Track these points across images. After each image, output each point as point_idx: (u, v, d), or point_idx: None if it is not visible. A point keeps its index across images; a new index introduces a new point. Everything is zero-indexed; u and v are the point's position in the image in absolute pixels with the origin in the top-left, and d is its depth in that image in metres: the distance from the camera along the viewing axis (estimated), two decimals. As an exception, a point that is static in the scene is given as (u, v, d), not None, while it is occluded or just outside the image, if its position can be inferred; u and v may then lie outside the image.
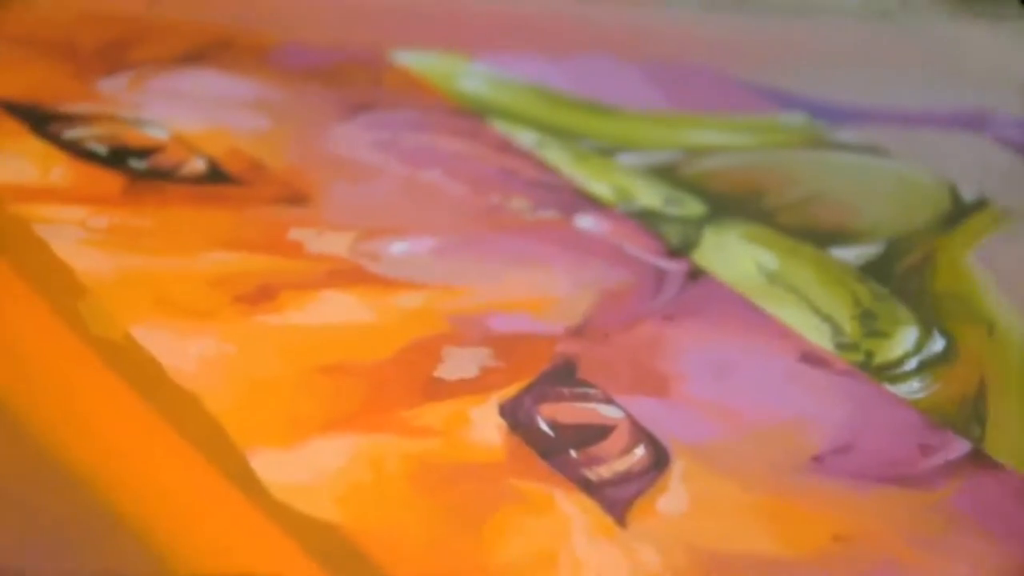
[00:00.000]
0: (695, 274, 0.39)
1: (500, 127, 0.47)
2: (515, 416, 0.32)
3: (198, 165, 0.41)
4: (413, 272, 0.38)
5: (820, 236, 0.42)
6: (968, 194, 0.45)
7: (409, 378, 0.33)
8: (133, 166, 0.40)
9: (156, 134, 0.43)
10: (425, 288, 0.37)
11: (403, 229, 0.40)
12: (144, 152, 0.41)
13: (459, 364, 0.34)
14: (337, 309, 0.36)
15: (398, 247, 0.39)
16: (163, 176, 0.41)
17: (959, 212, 0.44)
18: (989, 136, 0.50)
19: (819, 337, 0.37)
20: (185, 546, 0.27)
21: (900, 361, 0.36)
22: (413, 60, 0.52)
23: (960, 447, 0.33)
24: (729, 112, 0.50)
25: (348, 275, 0.37)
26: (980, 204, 0.45)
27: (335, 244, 0.39)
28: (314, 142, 0.45)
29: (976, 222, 0.43)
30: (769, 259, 0.40)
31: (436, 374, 0.34)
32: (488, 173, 0.44)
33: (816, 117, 0.50)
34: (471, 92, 0.50)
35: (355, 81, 0.49)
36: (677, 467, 0.31)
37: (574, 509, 0.30)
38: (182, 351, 0.33)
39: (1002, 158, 0.48)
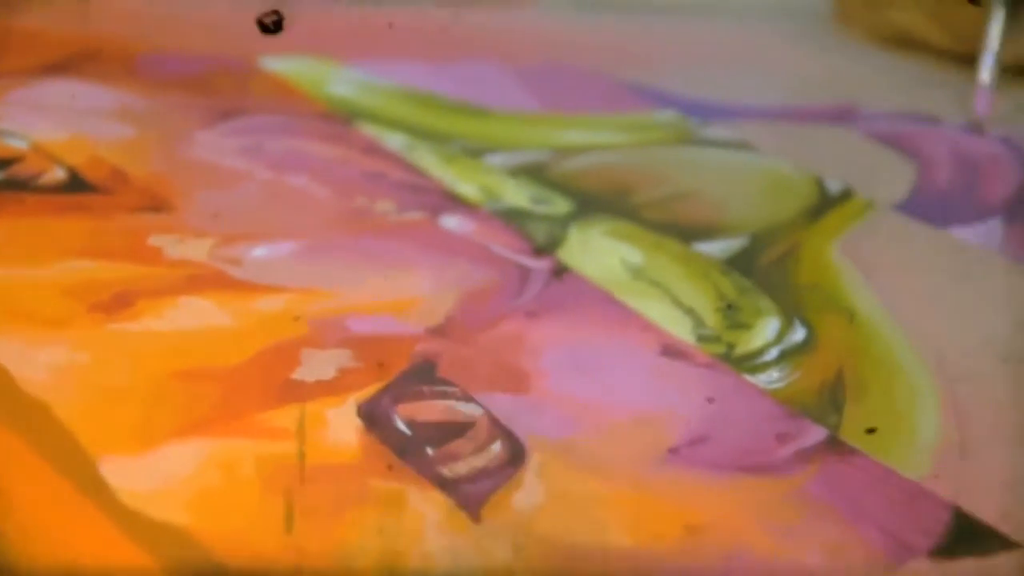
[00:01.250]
0: (560, 271, 0.39)
1: (369, 131, 0.47)
2: (372, 416, 0.32)
3: (58, 174, 0.41)
4: (274, 276, 0.38)
5: (686, 231, 0.42)
6: (834, 187, 0.45)
7: (266, 381, 0.33)
8: (-10, 177, 0.40)
9: (15, 144, 0.42)
10: (285, 292, 0.37)
11: (265, 233, 0.40)
12: (2, 163, 0.41)
13: (317, 366, 0.34)
14: (195, 315, 0.36)
15: (259, 251, 0.39)
16: (21, 186, 0.40)
17: (824, 204, 0.44)
18: (857, 130, 0.50)
19: (681, 330, 0.37)
20: (28, 555, 0.26)
21: (761, 351, 0.36)
22: (283, 66, 0.52)
23: (816, 434, 0.33)
24: (602, 111, 0.51)
25: (207, 280, 0.37)
26: (845, 196, 0.45)
27: (195, 250, 0.38)
28: (178, 149, 0.44)
29: (841, 214, 0.44)
30: (633, 255, 0.40)
31: (293, 376, 0.33)
32: (355, 176, 0.44)
33: (688, 115, 0.50)
34: (341, 97, 0.50)
35: (222, 88, 0.49)
36: (533, 462, 0.31)
37: (428, 506, 0.30)
38: (32, 360, 0.32)
39: (869, 151, 0.49)
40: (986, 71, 0.50)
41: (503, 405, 0.33)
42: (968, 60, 0.51)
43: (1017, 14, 0.53)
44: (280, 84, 0.50)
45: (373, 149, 0.46)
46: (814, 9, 0.60)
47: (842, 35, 0.58)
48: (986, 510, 0.31)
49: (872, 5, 0.57)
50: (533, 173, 0.45)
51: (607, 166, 0.46)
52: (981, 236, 0.43)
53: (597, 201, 0.43)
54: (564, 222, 0.42)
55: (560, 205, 0.43)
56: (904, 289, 0.40)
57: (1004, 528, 0.31)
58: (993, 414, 0.34)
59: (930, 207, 0.44)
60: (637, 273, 0.39)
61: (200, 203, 0.41)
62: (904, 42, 0.56)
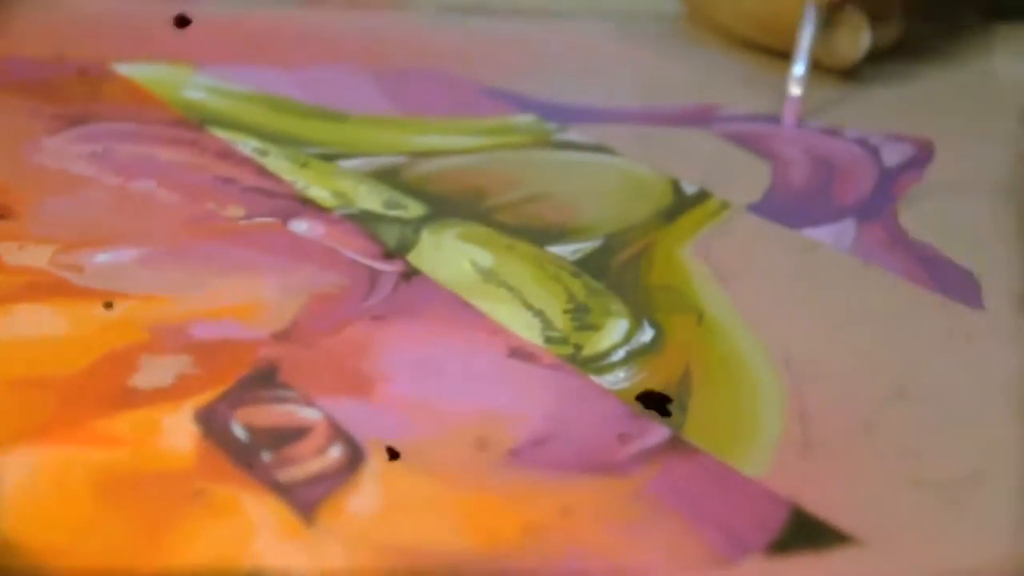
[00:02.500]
0: (409, 275, 0.39)
1: (222, 136, 0.47)
2: (209, 422, 0.32)
3: None
4: (116, 282, 0.37)
5: (539, 233, 0.42)
6: (690, 188, 0.46)
7: (102, 389, 0.33)
8: None
9: None
10: (127, 298, 0.37)
11: (110, 239, 0.39)
12: None
13: (155, 373, 0.34)
14: (32, 322, 0.35)
15: (102, 257, 0.38)
16: None
17: (680, 206, 0.45)
18: (714, 132, 0.50)
19: (530, 332, 0.37)
20: None
21: (608, 352, 0.36)
22: (136, 71, 0.51)
23: (659, 434, 0.33)
24: (460, 116, 0.51)
25: (47, 287, 0.37)
26: (700, 197, 0.45)
27: (36, 257, 0.38)
28: (24, 156, 0.44)
29: (695, 215, 0.44)
30: (485, 257, 0.40)
31: (130, 383, 0.33)
32: (205, 182, 0.44)
33: (546, 118, 0.51)
34: (195, 102, 0.49)
35: (73, 94, 0.49)
36: (372, 466, 0.31)
37: (261, 511, 0.29)
38: None
39: (725, 152, 0.49)
40: (795, 85, 0.51)
41: (344, 409, 0.33)
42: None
43: (833, 21, 0.53)
44: (133, 89, 0.49)
45: (226, 154, 0.45)
46: (668, 12, 0.60)
47: (694, 37, 0.58)
48: (825, 506, 0.31)
49: (707, 7, 0.58)
50: (387, 177, 0.45)
51: (462, 170, 0.46)
52: (833, 237, 0.43)
53: (451, 205, 0.43)
54: (416, 226, 0.42)
55: (413, 209, 0.43)
56: (755, 289, 0.40)
57: (841, 523, 0.31)
58: (836, 413, 0.35)
59: (784, 208, 0.45)
60: (488, 276, 0.39)
61: (44, 210, 0.41)
62: (743, 43, 0.57)
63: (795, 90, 0.52)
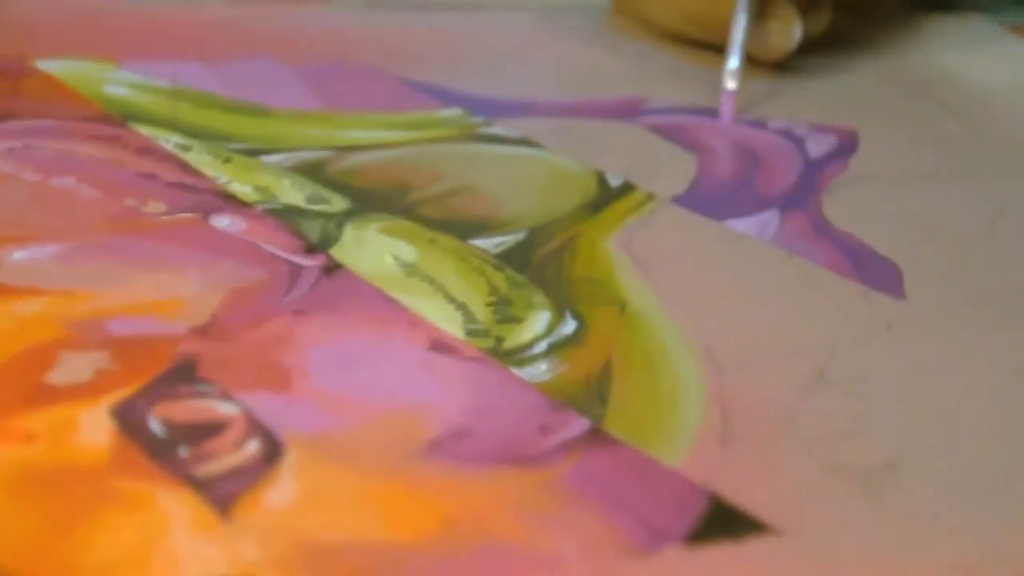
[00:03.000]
0: (331, 269, 0.39)
1: (144, 132, 0.47)
2: (126, 418, 0.32)
3: None
4: (33, 279, 0.37)
5: (463, 227, 0.42)
6: (615, 181, 0.46)
7: (18, 385, 0.33)
8: None
9: None
10: (44, 294, 0.36)
11: (28, 236, 0.39)
12: None
13: (72, 369, 0.34)
14: (-53, 320, 0.35)
15: (19, 254, 0.38)
16: None
17: (605, 198, 0.45)
18: (641, 124, 0.51)
19: (451, 325, 0.37)
20: None
21: (529, 344, 0.36)
22: (57, 68, 0.51)
23: (579, 426, 0.33)
24: (385, 110, 0.51)
25: (-38, 285, 0.36)
26: (625, 189, 0.45)
27: (-49, 255, 0.38)
28: (-59, 153, 0.43)
29: (620, 207, 0.44)
30: (407, 251, 0.40)
31: (47, 380, 0.33)
32: (126, 178, 0.43)
33: (472, 112, 0.51)
34: (117, 98, 0.49)
35: (-8, 91, 0.48)
36: (289, 459, 0.31)
37: (176, 506, 0.29)
38: None
39: (652, 145, 0.49)
40: (730, 79, 0.51)
41: (263, 403, 0.33)
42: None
43: (764, 14, 0.54)
44: (55, 86, 0.49)
45: (148, 150, 0.45)
46: (594, 5, 0.60)
47: (621, 30, 0.58)
48: (743, 495, 0.32)
49: (636, 1, 0.58)
50: (311, 172, 0.45)
51: (387, 164, 0.46)
52: (757, 228, 0.44)
53: (374, 199, 0.44)
54: (340, 220, 0.42)
55: (337, 203, 0.43)
56: (677, 280, 0.40)
57: (759, 512, 0.31)
58: (756, 402, 0.35)
59: (708, 199, 0.45)
60: (410, 269, 0.40)
61: (-38, 207, 0.40)
62: (673, 37, 0.57)
63: (731, 84, 0.52)
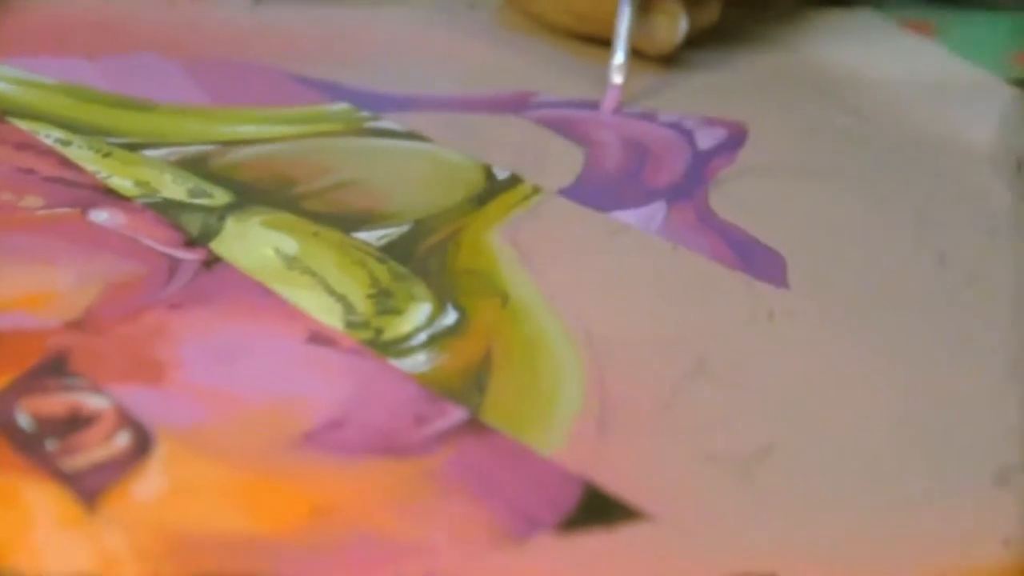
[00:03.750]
0: (211, 262, 0.39)
1: (23, 127, 0.46)
2: (-7, 413, 0.32)
3: None
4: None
5: (347, 220, 0.42)
6: (502, 174, 0.46)
7: None
8: None
9: None
10: (-86, 290, 0.36)
11: (-101, 231, 0.39)
12: None
13: (-61, 364, 0.33)
14: None
15: None
16: None
17: (491, 191, 0.45)
18: (530, 118, 0.51)
19: (330, 317, 0.37)
20: None
21: (409, 336, 0.36)
22: (-65, 63, 0.50)
23: (456, 416, 0.33)
24: (272, 105, 0.50)
25: None
26: (512, 182, 0.45)
27: None
28: None
29: (506, 200, 0.44)
30: (289, 244, 0.40)
31: (-89, 376, 0.33)
32: (2, 172, 0.43)
33: (360, 107, 0.51)
34: (-3, 93, 0.49)
35: None
36: (160, 452, 0.31)
37: (41, 499, 0.29)
38: None
39: (540, 138, 0.49)
40: (616, 73, 0.51)
41: (134, 396, 0.33)
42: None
43: (649, 7, 0.54)
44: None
45: (26, 145, 0.45)
46: (485, 1, 0.60)
47: (511, 25, 0.58)
48: (618, 483, 0.32)
49: None
50: (194, 166, 0.45)
51: (271, 158, 0.46)
52: (643, 219, 0.44)
53: (258, 192, 0.43)
54: (221, 213, 0.42)
55: (219, 197, 0.43)
56: (561, 271, 0.40)
57: (634, 499, 0.31)
58: (635, 391, 0.35)
59: (595, 192, 0.45)
60: (291, 262, 0.39)
61: None
62: (562, 32, 0.57)
63: (616, 79, 0.52)
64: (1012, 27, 0.62)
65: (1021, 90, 0.53)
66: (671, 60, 0.56)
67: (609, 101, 0.52)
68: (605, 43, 0.55)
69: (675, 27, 0.55)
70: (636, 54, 0.54)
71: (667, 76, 0.56)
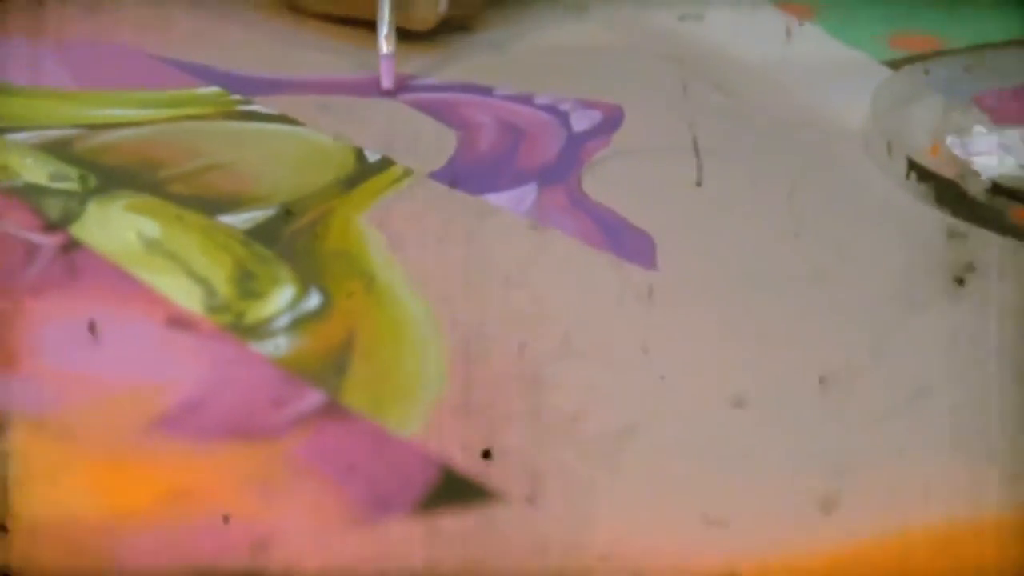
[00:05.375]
0: (70, 246, 0.39)
1: None
2: None
3: None
4: None
5: (212, 203, 0.42)
6: (373, 157, 0.46)
7: None
8: None
9: None
10: None
11: None
12: None
13: None
14: None
15: None
16: None
17: (361, 174, 0.45)
18: (404, 100, 0.51)
19: (191, 301, 0.37)
20: None
21: (270, 319, 0.37)
22: None
23: (315, 399, 0.33)
24: (141, 88, 0.50)
25: None
26: (383, 165, 0.46)
27: None
28: None
29: (376, 183, 0.45)
30: (152, 228, 0.40)
31: None
32: None
33: (231, 90, 0.51)
34: None
35: None
36: (12, 438, 0.31)
37: None
38: None
39: (414, 121, 0.50)
40: (384, 43, 0.52)
41: (-13, 382, 0.33)
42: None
43: None
44: None
45: None
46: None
47: (267, 9, 0.58)
48: (477, 464, 0.32)
49: None
50: (58, 150, 0.44)
51: (138, 141, 0.46)
52: (513, 202, 0.44)
53: (122, 176, 0.43)
54: (83, 198, 0.42)
55: (82, 181, 0.42)
56: (428, 254, 0.41)
57: (493, 481, 0.32)
58: (499, 373, 0.36)
59: (466, 174, 0.46)
60: (153, 246, 0.39)
61: None
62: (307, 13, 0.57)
63: (385, 48, 0.52)
64: (888, 9, 0.63)
65: (895, 72, 0.54)
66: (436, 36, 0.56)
67: (385, 71, 0.52)
68: (360, 23, 0.54)
69: (436, 3, 0.55)
70: (403, 33, 0.54)
71: (534, 55, 0.56)
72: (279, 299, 0.38)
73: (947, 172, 0.45)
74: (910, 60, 0.55)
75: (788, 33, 0.59)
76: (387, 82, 0.52)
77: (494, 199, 0.45)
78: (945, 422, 0.35)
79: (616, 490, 0.32)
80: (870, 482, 0.33)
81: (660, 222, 0.44)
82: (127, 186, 0.43)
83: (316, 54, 0.56)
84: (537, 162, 0.48)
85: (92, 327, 0.32)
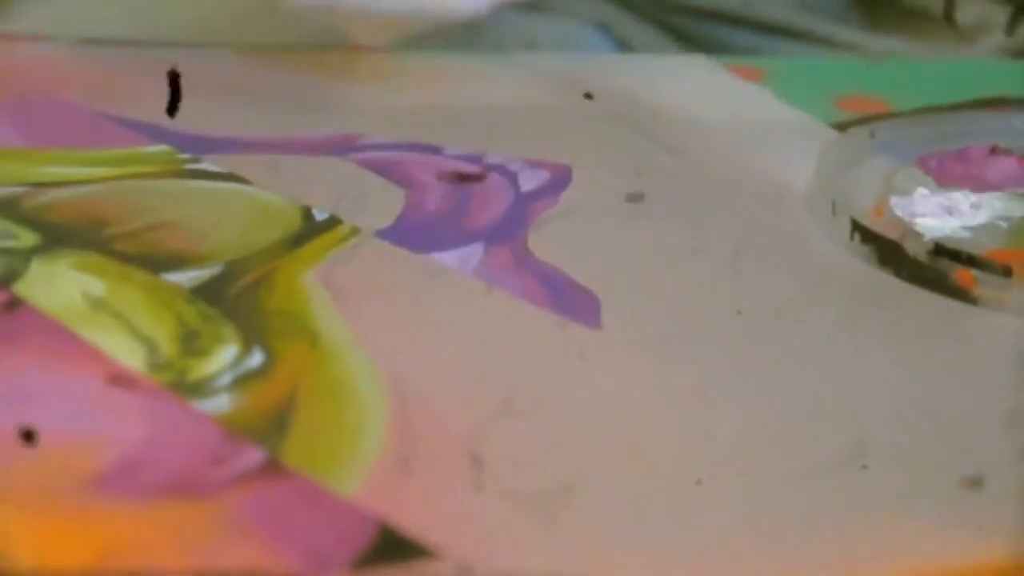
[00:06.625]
0: (13, 305, 0.39)
1: None
2: None
3: None
4: None
5: (158, 261, 0.42)
6: (320, 216, 0.46)
7: None
8: None
9: None
10: None
11: None
12: None
13: None
14: None
15: None
16: None
17: (308, 233, 0.45)
18: (354, 159, 0.51)
19: (134, 359, 0.37)
20: None
21: (213, 377, 0.37)
22: None
23: (254, 457, 0.33)
24: (90, 146, 0.50)
25: None
26: (330, 224, 0.46)
27: None
28: None
29: (323, 241, 0.45)
30: (96, 286, 0.40)
31: None
32: None
33: (181, 148, 0.51)
34: None
35: None
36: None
37: None
38: None
39: (362, 180, 0.50)
40: None
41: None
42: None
43: None
44: None
45: None
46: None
47: None
48: (416, 522, 0.32)
49: None
50: (3, 208, 0.44)
51: (84, 199, 0.46)
52: (459, 261, 0.44)
53: (68, 234, 0.43)
54: (27, 256, 0.42)
55: (26, 239, 0.43)
56: (374, 313, 0.41)
57: (431, 538, 0.32)
58: (440, 431, 0.36)
59: (413, 233, 0.46)
60: (97, 305, 0.40)
61: None
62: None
63: None
64: (837, 73, 0.64)
65: (841, 133, 0.54)
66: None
67: None
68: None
69: None
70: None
71: (485, 115, 0.57)
72: (222, 357, 0.38)
73: (890, 233, 0.46)
74: (857, 122, 0.56)
75: (739, 98, 0.60)
76: None
77: (440, 258, 0.45)
78: (884, 479, 0.35)
79: (555, 548, 0.32)
80: (807, 537, 0.33)
81: (605, 281, 0.44)
82: (73, 244, 0.43)
83: (268, 113, 0.56)
84: (484, 221, 0.48)
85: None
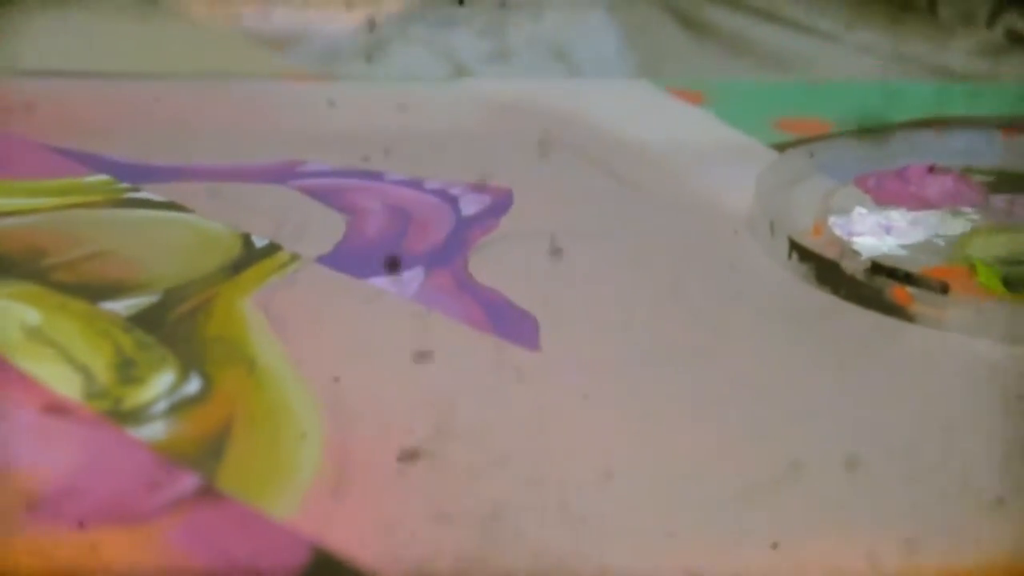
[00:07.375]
0: (-52, 336, 0.39)
1: None
2: None
3: None
4: None
5: (95, 290, 0.42)
6: (260, 243, 0.46)
7: None
8: None
9: None
10: None
11: None
12: None
13: None
14: None
15: None
16: None
17: (247, 259, 0.45)
18: (293, 186, 0.51)
19: (70, 388, 0.37)
20: None
21: (149, 404, 0.37)
22: None
23: (189, 483, 0.34)
24: (27, 177, 0.50)
25: None
26: (270, 251, 0.46)
27: None
28: None
29: (262, 268, 0.45)
30: (33, 316, 0.40)
31: None
32: None
33: (120, 178, 0.51)
34: None
35: None
36: None
37: None
38: None
39: (303, 207, 0.50)
40: None
41: None
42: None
43: None
44: None
45: None
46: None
47: None
48: (349, 545, 0.32)
49: None
50: (-60, 240, 0.44)
51: (23, 230, 0.46)
52: (399, 285, 0.45)
53: (6, 265, 0.43)
54: (-37, 287, 0.42)
55: (-38, 270, 0.43)
56: (312, 338, 0.41)
57: (364, 560, 0.32)
58: (375, 453, 0.36)
59: (353, 259, 0.46)
60: (34, 334, 0.40)
61: None
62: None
63: None
64: (776, 94, 0.65)
65: (781, 154, 0.55)
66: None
67: None
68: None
69: None
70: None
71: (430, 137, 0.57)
72: (158, 384, 0.38)
73: (828, 252, 0.46)
74: (796, 143, 0.56)
75: (678, 121, 0.60)
76: None
77: (380, 283, 0.45)
78: (815, 497, 0.36)
79: (490, 569, 0.32)
80: (740, 554, 0.33)
81: (545, 304, 0.44)
82: (10, 275, 0.43)
83: (208, 141, 0.57)
84: (424, 246, 0.49)
85: None
